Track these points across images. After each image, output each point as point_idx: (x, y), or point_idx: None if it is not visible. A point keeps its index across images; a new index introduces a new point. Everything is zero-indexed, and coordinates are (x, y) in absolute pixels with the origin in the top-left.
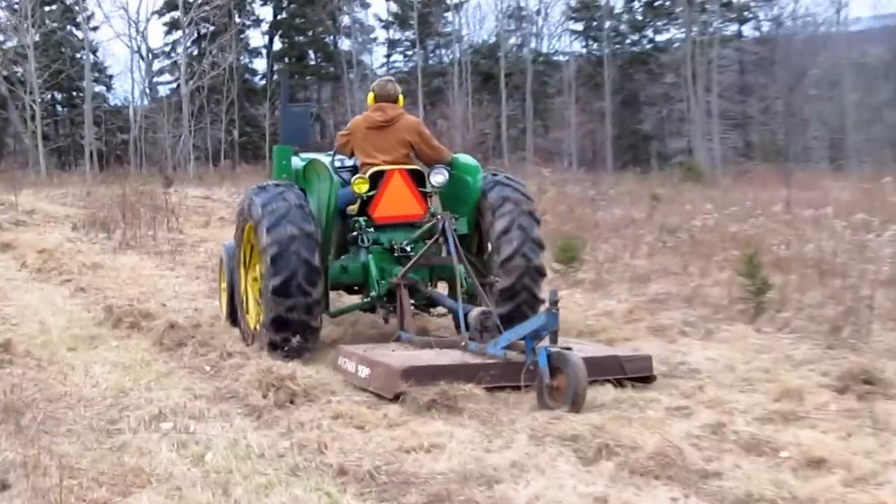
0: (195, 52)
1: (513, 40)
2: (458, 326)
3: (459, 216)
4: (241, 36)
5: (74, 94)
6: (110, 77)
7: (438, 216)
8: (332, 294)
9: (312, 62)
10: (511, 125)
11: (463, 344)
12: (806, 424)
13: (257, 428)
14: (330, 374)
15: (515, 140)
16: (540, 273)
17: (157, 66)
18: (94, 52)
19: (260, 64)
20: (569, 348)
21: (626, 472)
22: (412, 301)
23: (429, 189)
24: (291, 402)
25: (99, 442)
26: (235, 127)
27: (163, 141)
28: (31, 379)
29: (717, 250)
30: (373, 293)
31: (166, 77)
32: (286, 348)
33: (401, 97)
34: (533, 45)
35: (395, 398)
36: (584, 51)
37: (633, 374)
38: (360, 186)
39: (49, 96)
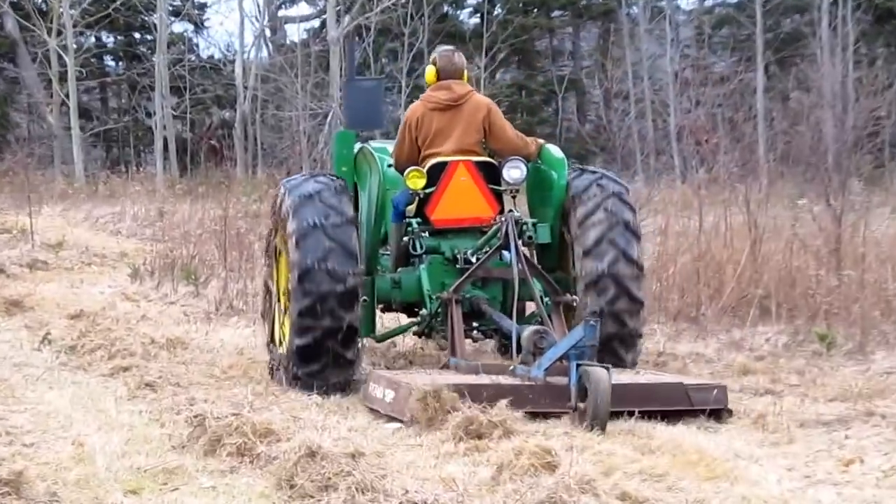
0: None
1: None
2: (519, 352)
3: (541, 221)
4: None
5: (136, 36)
6: (201, 8)
7: (502, 217)
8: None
9: None
10: None
11: (511, 368)
12: None
13: None
14: None
15: None
16: (634, 301)
17: None
18: None
19: None
20: (606, 367)
21: None
22: (477, 325)
23: (503, 186)
24: None
25: None
26: None
27: (293, 122)
28: None
29: None
30: (424, 311)
31: (301, 9)
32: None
33: (466, 72)
34: None
35: (410, 420)
36: None
37: (701, 405)
38: (415, 181)
39: (91, 39)
